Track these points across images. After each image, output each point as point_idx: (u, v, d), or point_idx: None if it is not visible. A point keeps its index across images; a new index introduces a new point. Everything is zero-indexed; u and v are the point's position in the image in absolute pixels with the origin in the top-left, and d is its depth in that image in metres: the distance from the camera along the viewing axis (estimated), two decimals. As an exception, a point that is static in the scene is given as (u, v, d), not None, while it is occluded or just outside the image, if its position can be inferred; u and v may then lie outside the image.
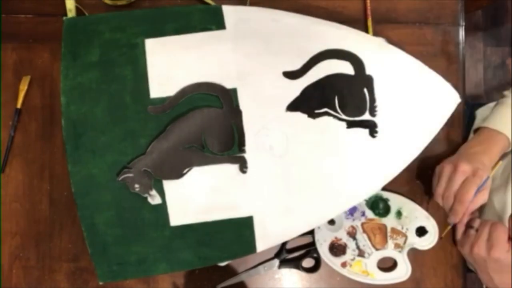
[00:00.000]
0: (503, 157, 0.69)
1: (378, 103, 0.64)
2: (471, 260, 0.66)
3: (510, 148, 0.68)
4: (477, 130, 0.71)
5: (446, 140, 0.72)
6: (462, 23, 0.74)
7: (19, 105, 0.69)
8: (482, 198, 0.64)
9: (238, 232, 0.63)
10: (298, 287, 0.70)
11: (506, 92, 0.72)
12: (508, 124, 0.67)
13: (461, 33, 0.74)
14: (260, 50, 0.65)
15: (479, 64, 1.56)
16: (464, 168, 0.64)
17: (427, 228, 0.69)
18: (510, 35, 1.54)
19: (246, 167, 0.64)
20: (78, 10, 0.69)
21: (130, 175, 0.62)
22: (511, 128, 0.67)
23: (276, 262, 0.69)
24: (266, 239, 0.63)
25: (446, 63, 0.73)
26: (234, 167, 0.64)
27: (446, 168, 0.65)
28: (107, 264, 0.63)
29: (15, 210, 0.69)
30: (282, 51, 0.65)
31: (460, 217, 0.64)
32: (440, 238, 0.68)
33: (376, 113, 0.64)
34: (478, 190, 0.63)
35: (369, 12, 0.72)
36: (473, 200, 0.63)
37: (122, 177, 0.62)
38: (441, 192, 0.65)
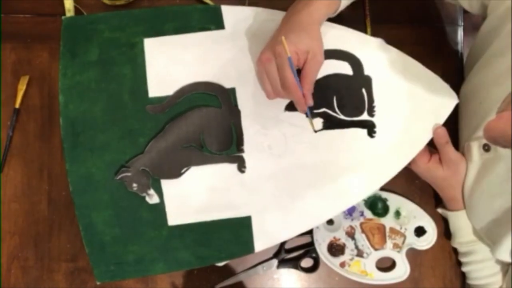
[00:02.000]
0: None
1: (376, 103, 0.64)
2: (415, 171, 0.67)
3: (340, 5, 0.62)
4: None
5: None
6: (461, 23, 0.74)
7: (17, 105, 0.69)
8: (313, 67, 0.58)
9: (236, 232, 0.63)
10: (297, 287, 0.70)
11: None
12: None
13: (460, 33, 0.74)
14: (259, 50, 0.64)
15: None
16: (263, 57, 0.58)
17: (426, 228, 0.69)
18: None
19: (244, 167, 0.64)
20: (76, 10, 0.70)
21: (128, 174, 0.62)
22: None
23: (275, 262, 0.69)
24: (264, 239, 0.63)
25: (445, 63, 0.73)
26: (233, 167, 0.64)
27: (257, 65, 0.61)
28: (105, 264, 0.63)
29: (13, 210, 0.69)
30: None
31: (303, 101, 0.58)
32: (315, 131, 0.64)
33: (375, 113, 0.64)
34: (305, 63, 0.57)
35: (367, 12, 0.72)
36: (304, 75, 0.58)
37: (120, 176, 0.62)
38: (270, 92, 0.60)
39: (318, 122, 0.64)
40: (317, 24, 0.59)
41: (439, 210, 0.69)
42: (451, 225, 0.68)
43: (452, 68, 0.73)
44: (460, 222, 0.66)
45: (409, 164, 0.66)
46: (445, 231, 0.70)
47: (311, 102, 0.59)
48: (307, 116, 0.63)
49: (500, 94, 0.57)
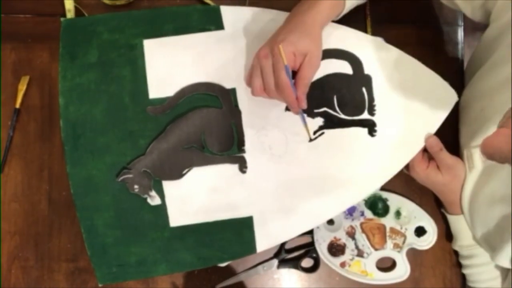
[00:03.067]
0: None
1: (376, 102, 0.64)
2: (415, 178, 0.67)
3: (344, 9, 0.61)
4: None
5: (445, 140, 0.72)
6: (461, 23, 0.74)
7: (18, 105, 0.69)
8: (308, 71, 0.57)
9: (238, 232, 0.63)
10: (297, 287, 0.70)
11: None
12: None
13: (460, 33, 0.74)
14: (259, 50, 0.65)
15: (478, 64, 1.55)
16: (260, 54, 0.57)
17: (426, 228, 0.69)
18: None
19: (245, 167, 0.64)
20: (77, 10, 0.70)
21: (130, 175, 0.62)
22: None
23: (275, 262, 0.69)
24: (266, 239, 0.63)
25: (445, 63, 0.73)
26: (234, 167, 0.64)
27: (253, 61, 0.59)
28: (107, 266, 0.63)
29: (14, 210, 0.69)
30: None
31: (297, 104, 0.57)
32: (310, 140, 0.64)
33: (375, 112, 0.64)
34: (300, 66, 0.56)
35: (368, 12, 0.72)
36: (299, 78, 0.57)
37: (122, 178, 0.62)
38: (258, 86, 0.58)
39: (319, 121, 0.64)
40: (319, 27, 0.59)
41: (444, 211, 0.69)
42: (452, 228, 0.68)
43: (452, 68, 0.73)
44: (460, 225, 0.66)
45: (408, 170, 0.66)
46: (445, 232, 0.70)
47: (304, 105, 0.58)
48: (304, 123, 0.63)
49: (502, 101, 0.57)
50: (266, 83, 0.58)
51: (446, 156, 0.63)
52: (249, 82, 0.60)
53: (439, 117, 0.64)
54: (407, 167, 0.66)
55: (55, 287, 0.69)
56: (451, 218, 0.67)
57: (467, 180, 0.64)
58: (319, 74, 0.64)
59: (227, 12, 0.66)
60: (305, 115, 0.63)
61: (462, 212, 0.65)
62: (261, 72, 0.58)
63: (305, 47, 0.57)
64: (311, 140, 0.64)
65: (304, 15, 0.58)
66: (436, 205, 0.71)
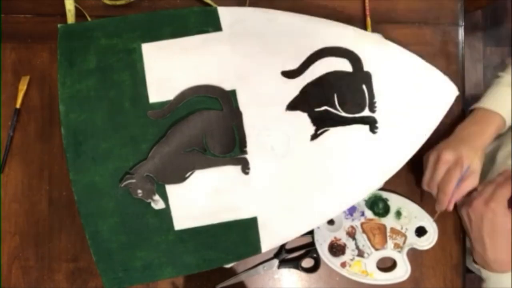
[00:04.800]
0: (498, 137, 0.69)
1: (377, 98, 0.64)
2: (468, 219, 0.64)
3: (506, 129, 0.67)
4: (471, 112, 0.69)
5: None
6: (462, 23, 0.74)
7: (18, 105, 0.69)
8: (468, 185, 0.64)
9: (243, 233, 0.63)
10: (298, 287, 0.70)
11: (501, 73, 0.70)
12: (503, 102, 0.67)
13: (461, 33, 0.74)
14: (258, 51, 0.65)
15: (478, 64, 1.56)
16: (447, 158, 0.63)
17: (427, 228, 0.69)
18: (510, 35, 1.54)
19: (248, 168, 0.63)
20: (77, 10, 0.70)
21: (133, 181, 0.62)
22: (508, 107, 0.66)
23: (276, 262, 0.69)
24: (270, 239, 0.63)
25: (445, 63, 0.73)
26: (237, 169, 0.64)
27: (430, 157, 0.66)
28: (113, 271, 0.63)
29: (14, 210, 0.69)
30: (279, 50, 0.65)
31: (445, 206, 0.64)
32: (434, 221, 0.69)
33: (376, 109, 0.64)
34: (463, 178, 0.63)
35: (368, 12, 0.72)
36: (458, 188, 0.63)
37: (125, 183, 0.62)
38: (426, 182, 0.66)
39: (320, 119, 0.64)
40: (485, 146, 0.66)
41: (476, 267, 0.66)
42: (491, 285, 0.65)
43: (453, 68, 0.73)
44: (504, 284, 0.63)
45: (462, 208, 0.65)
46: (446, 232, 0.70)
47: (450, 208, 0.64)
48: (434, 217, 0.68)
49: None
50: (431, 181, 0.65)
51: None
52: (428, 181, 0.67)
53: (440, 111, 0.64)
54: (461, 203, 0.65)
55: (55, 287, 0.69)
56: (499, 277, 0.63)
57: None
58: (318, 72, 0.64)
59: (225, 14, 0.66)
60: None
61: None
62: (435, 170, 0.64)
63: (477, 168, 0.64)
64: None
65: (475, 134, 0.66)
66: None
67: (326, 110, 0.64)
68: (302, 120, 0.64)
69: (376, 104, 0.64)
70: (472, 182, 0.64)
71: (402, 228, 0.69)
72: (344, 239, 0.69)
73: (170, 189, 0.63)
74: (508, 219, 0.61)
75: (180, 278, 0.69)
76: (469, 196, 0.64)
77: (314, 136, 0.64)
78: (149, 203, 0.63)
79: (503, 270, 0.63)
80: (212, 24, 0.66)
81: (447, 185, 0.63)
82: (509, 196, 0.62)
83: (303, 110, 0.64)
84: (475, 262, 0.66)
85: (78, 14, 0.70)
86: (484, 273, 0.65)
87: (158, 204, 0.63)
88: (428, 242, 0.69)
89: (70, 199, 0.67)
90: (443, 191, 0.63)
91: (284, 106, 0.64)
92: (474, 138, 0.65)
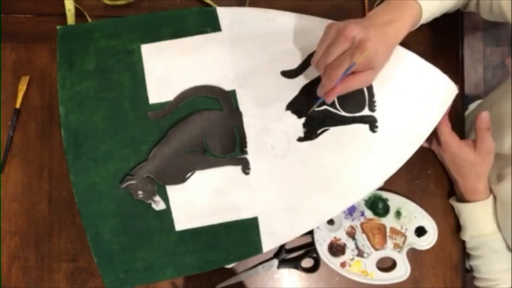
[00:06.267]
0: None
1: (376, 98, 0.64)
2: (441, 158, 0.66)
3: (421, 21, 0.61)
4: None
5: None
6: (461, 23, 0.74)
7: (18, 105, 0.69)
8: (361, 80, 0.55)
9: (244, 234, 0.63)
10: (297, 287, 0.70)
11: None
12: None
13: (460, 33, 0.74)
14: (257, 51, 0.65)
15: (478, 64, 1.56)
16: (351, 33, 0.53)
17: (427, 228, 0.69)
18: (510, 35, 1.54)
19: (248, 168, 0.64)
20: (77, 10, 0.70)
21: (133, 182, 0.62)
22: None
23: (276, 262, 0.69)
24: (271, 239, 0.63)
25: (445, 63, 0.73)
26: (237, 169, 0.64)
27: (332, 29, 0.55)
28: (114, 273, 0.63)
29: (14, 210, 0.69)
30: (278, 50, 0.65)
31: (325, 92, 0.56)
32: (308, 114, 0.63)
33: (376, 108, 0.64)
34: (359, 69, 0.54)
35: (367, 12, 0.72)
36: (348, 78, 0.54)
37: (125, 184, 0.62)
38: (317, 59, 0.57)
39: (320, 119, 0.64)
40: (398, 42, 0.58)
41: (453, 202, 0.68)
42: (465, 217, 0.67)
43: (453, 68, 0.73)
44: (477, 213, 0.65)
45: (430, 143, 0.65)
46: (446, 232, 0.70)
47: (330, 100, 0.57)
48: (314, 102, 0.62)
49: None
50: (323, 58, 0.56)
51: (489, 138, 0.62)
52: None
53: (440, 110, 0.64)
54: (429, 140, 0.65)
55: (55, 287, 0.69)
56: (468, 206, 0.65)
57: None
58: (317, 73, 0.64)
59: (224, 14, 0.66)
60: (320, 101, 0.61)
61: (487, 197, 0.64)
62: (332, 44, 0.55)
63: (379, 64, 0.56)
64: (308, 114, 0.63)
65: (387, 25, 0.57)
66: (436, 206, 0.71)
67: (326, 110, 0.64)
68: (302, 120, 0.64)
69: (376, 103, 0.64)
70: (366, 77, 0.55)
71: (401, 228, 0.69)
72: (344, 239, 0.69)
73: (171, 190, 0.63)
74: (465, 150, 0.63)
75: (180, 278, 0.69)
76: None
77: (315, 136, 0.64)
78: (150, 204, 0.63)
79: (474, 199, 0.65)
80: (211, 25, 0.66)
81: (336, 69, 0.54)
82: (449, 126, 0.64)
83: (303, 110, 0.63)
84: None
85: (78, 14, 0.70)
86: (456, 208, 0.68)
87: (158, 205, 0.63)
88: (428, 242, 0.69)
89: (70, 199, 0.67)
90: (329, 76, 0.54)
91: (284, 106, 0.64)
92: (388, 26, 0.56)
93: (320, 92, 0.58)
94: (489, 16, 0.65)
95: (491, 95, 0.76)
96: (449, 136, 0.64)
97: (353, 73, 0.55)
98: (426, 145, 0.69)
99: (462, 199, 0.68)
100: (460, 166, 0.65)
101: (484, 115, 0.62)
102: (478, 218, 0.65)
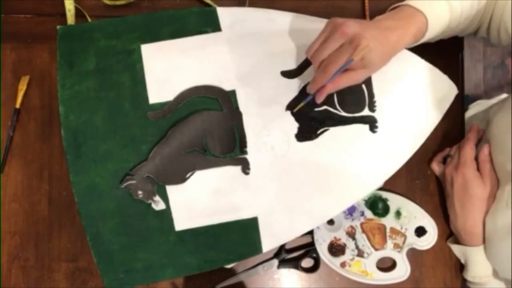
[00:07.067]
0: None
1: (376, 98, 0.64)
2: (445, 182, 0.65)
3: (426, 34, 0.61)
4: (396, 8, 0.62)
5: (446, 140, 0.72)
6: (462, 23, 0.74)
7: (18, 105, 0.69)
8: (354, 77, 0.55)
9: (244, 234, 0.63)
10: (297, 287, 0.70)
11: None
12: (431, 5, 0.59)
13: (461, 33, 0.74)
14: (257, 51, 0.65)
15: (478, 64, 1.56)
16: (347, 30, 0.53)
17: (426, 228, 0.69)
18: (509, 35, 1.54)
19: (248, 168, 0.64)
20: (77, 10, 0.70)
21: (133, 182, 0.62)
22: (435, 11, 0.59)
23: (275, 262, 0.69)
24: (271, 239, 0.63)
25: (445, 63, 0.72)
26: (237, 169, 0.64)
27: (329, 23, 0.55)
28: (114, 273, 0.63)
29: (14, 210, 0.69)
30: (278, 50, 0.65)
31: (316, 88, 0.57)
32: (295, 111, 0.63)
33: (376, 108, 0.64)
34: (353, 66, 0.54)
35: (367, 11, 0.72)
36: (343, 75, 0.55)
37: (125, 184, 0.62)
38: (312, 50, 0.57)
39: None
40: (399, 50, 0.59)
41: (452, 246, 0.67)
42: (467, 259, 0.66)
43: (453, 68, 0.73)
44: (478, 257, 0.63)
45: (451, 166, 0.64)
46: (446, 232, 0.70)
47: (319, 100, 0.58)
48: (303, 99, 0.61)
49: None
50: (318, 49, 0.55)
51: (492, 170, 0.60)
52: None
53: (439, 111, 0.64)
54: (436, 163, 0.66)
55: (55, 287, 0.69)
56: (468, 250, 0.64)
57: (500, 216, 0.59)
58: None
59: (224, 14, 0.66)
60: (309, 98, 0.61)
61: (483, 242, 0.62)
62: (327, 40, 0.55)
63: (372, 64, 0.55)
64: (292, 111, 0.63)
65: (391, 31, 0.57)
66: (436, 205, 0.71)
67: (326, 110, 0.64)
68: (302, 120, 0.64)
69: (376, 104, 0.64)
70: (357, 76, 0.55)
71: (401, 228, 0.69)
72: (344, 239, 0.69)
73: (171, 189, 0.63)
74: (478, 182, 0.61)
75: (180, 278, 0.69)
76: (447, 162, 0.64)
77: (315, 136, 0.64)
78: (150, 204, 0.63)
79: (471, 243, 0.63)
80: (211, 25, 0.66)
81: (332, 64, 0.54)
82: (474, 154, 0.62)
83: (303, 110, 0.64)
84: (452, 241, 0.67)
85: (78, 14, 0.70)
86: (456, 251, 0.66)
87: (158, 205, 0.63)
88: (427, 242, 0.69)
89: (70, 199, 0.67)
90: (324, 70, 0.54)
91: (284, 106, 0.64)
92: (391, 31, 0.56)
93: (310, 88, 0.58)
94: (498, 41, 0.64)
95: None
96: (469, 162, 0.61)
97: (344, 70, 0.55)
98: (437, 171, 0.68)
99: (458, 239, 0.67)
100: (466, 201, 0.62)
101: (486, 150, 0.61)
102: (480, 261, 0.64)
